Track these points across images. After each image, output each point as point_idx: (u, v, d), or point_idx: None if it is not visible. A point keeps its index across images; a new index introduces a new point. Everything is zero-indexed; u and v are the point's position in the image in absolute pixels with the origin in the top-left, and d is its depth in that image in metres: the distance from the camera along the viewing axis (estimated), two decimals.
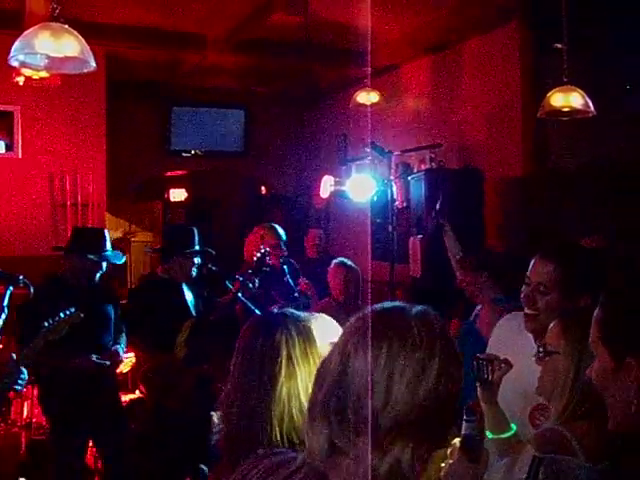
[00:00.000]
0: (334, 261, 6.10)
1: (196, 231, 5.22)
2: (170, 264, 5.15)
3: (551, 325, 2.36)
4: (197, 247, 5.16)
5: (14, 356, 3.49)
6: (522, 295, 2.75)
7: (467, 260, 4.79)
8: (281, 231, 6.37)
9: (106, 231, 5.31)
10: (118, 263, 5.21)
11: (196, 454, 4.66)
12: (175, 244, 5.23)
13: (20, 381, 3.46)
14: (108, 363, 4.81)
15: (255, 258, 5.56)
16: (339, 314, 2.10)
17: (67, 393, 4.69)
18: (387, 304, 1.39)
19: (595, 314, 1.57)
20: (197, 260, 5.15)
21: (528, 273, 2.72)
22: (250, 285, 5.21)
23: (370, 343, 1.28)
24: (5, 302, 3.26)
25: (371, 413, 1.24)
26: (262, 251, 5.55)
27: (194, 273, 5.13)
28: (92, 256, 4.94)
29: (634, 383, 1.42)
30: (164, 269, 5.22)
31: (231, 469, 1.64)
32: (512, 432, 2.47)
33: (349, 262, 6.02)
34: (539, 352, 2.36)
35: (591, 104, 5.08)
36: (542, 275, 2.64)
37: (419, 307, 1.36)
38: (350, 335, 1.34)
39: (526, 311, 2.71)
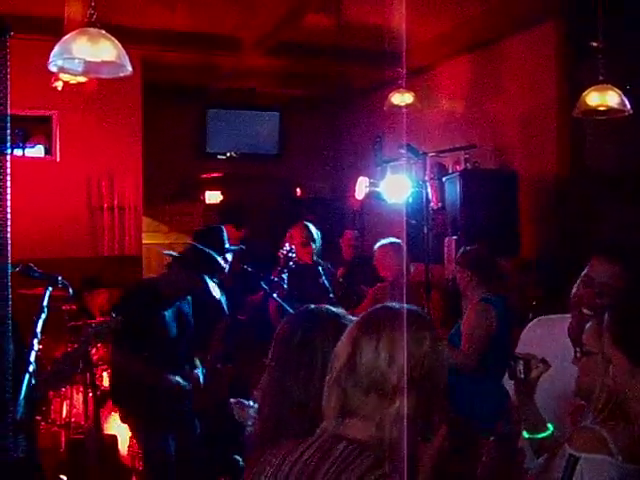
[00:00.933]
0: (381, 242, 6.10)
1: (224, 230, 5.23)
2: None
3: (588, 325, 2.32)
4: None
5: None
6: (577, 296, 2.62)
7: (459, 256, 4.90)
8: (312, 229, 6.39)
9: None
10: None
11: (230, 447, 4.65)
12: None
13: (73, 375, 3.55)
14: (188, 387, 4.73)
15: (281, 255, 5.63)
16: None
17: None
18: (390, 304, 1.77)
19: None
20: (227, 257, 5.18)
21: (589, 273, 2.61)
22: (284, 285, 5.24)
23: (371, 331, 1.68)
24: (45, 302, 3.32)
25: (378, 377, 1.63)
26: (287, 248, 5.62)
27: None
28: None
29: None
30: None
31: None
32: (549, 432, 2.44)
33: (394, 240, 6.04)
34: (576, 353, 2.33)
35: (627, 103, 5.04)
36: (608, 276, 2.54)
37: (412, 309, 1.74)
38: (358, 325, 1.73)
39: (586, 312, 2.53)
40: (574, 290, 2.61)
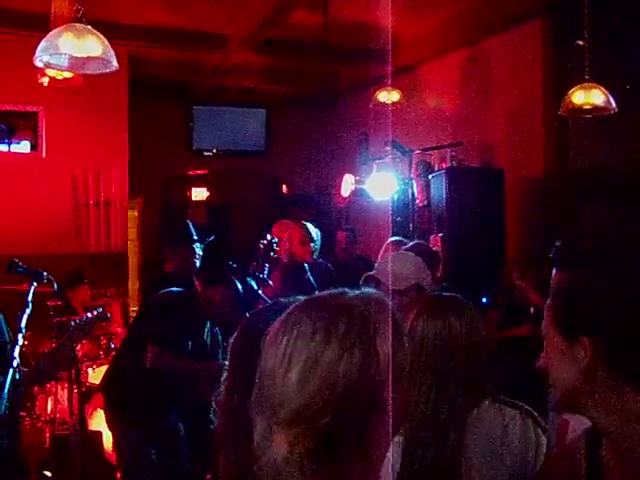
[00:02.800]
0: (391, 240, 6.09)
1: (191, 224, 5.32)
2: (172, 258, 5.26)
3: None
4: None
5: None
6: None
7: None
8: (311, 228, 6.43)
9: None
10: None
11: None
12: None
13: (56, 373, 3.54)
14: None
15: (261, 246, 5.66)
16: None
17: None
18: (312, 297, 1.34)
19: (547, 303, 1.60)
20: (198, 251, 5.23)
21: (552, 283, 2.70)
22: (268, 280, 5.27)
23: (274, 339, 1.27)
24: (29, 297, 3.32)
25: (275, 403, 1.22)
26: (268, 238, 5.66)
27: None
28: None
29: (583, 360, 1.47)
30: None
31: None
32: None
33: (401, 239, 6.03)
34: None
35: (613, 101, 5.07)
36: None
37: (345, 294, 1.31)
38: (267, 334, 1.31)
39: None
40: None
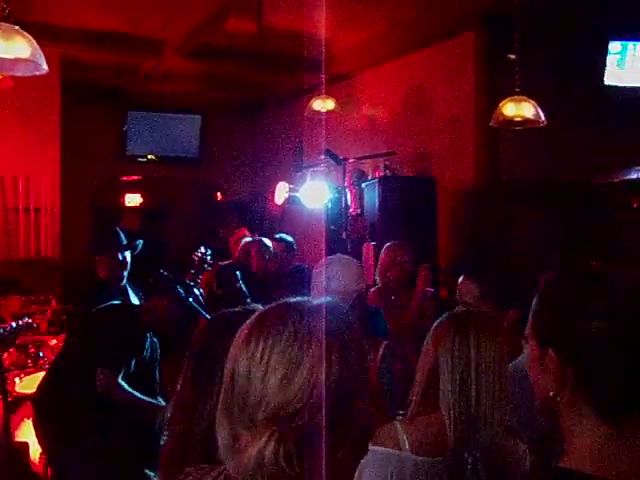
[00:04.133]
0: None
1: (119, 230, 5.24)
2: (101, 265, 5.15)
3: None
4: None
5: None
6: None
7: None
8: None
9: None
10: None
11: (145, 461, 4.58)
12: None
13: None
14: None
15: (195, 258, 5.63)
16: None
17: None
18: (282, 302, 1.37)
19: (532, 304, 1.62)
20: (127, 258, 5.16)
21: (457, 292, 2.78)
22: (199, 289, 5.22)
23: (250, 338, 1.30)
24: None
25: (250, 405, 1.26)
26: (202, 250, 5.65)
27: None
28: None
29: (552, 371, 1.46)
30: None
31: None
32: None
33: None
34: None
35: (542, 114, 5.18)
36: (465, 293, 2.70)
37: (316, 303, 1.35)
38: (238, 337, 1.35)
39: None
40: None
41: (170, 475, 1.61)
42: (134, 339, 4.42)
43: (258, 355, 1.27)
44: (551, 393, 1.48)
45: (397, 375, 3.25)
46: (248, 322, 1.35)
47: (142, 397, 4.43)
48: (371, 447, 2.04)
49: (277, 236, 6.88)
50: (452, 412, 2.18)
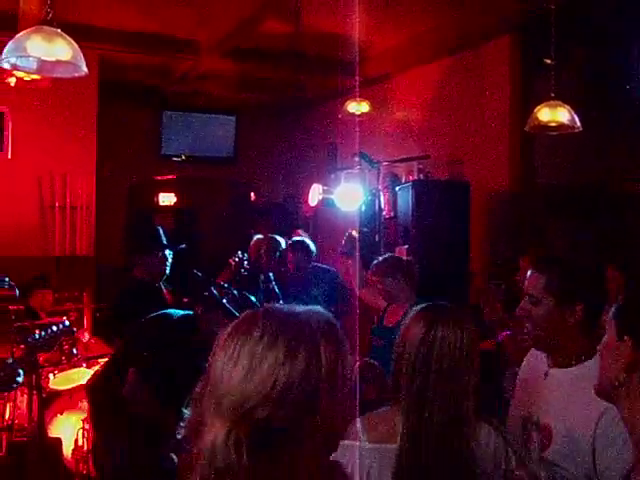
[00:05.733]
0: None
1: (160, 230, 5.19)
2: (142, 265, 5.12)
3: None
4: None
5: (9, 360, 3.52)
6: (517, 310, 2.73)
7: (382, 266, 4.89)
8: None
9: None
10: None
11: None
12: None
13: (15, 384, 3.48)
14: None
15: (232, 262, 5.65)
16: None
17: None
18: (262, 307, 1.50)
19: (612, 310, 1.82)
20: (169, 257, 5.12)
21: (524, 286, 2.73)
22: (233, 291, 5.22)
23: (227, 338, 1.42)
24: None
25: (217, 396, 1.36)
26: (239, 255, 5.65)
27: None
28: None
29: (625, 357, 1.69)
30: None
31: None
32: None
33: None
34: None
35: (577, 120, 5.14)
36: (534, 287, 2.64)
37: (293, 309, 1.47)
38: (220, 336, 1.46)
39: (526, 326, 2.68)
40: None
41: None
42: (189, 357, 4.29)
43: (230, 351, 1.38)
44: (616, 382, 1.71)
45: None
46: (232, 324, 1.46)
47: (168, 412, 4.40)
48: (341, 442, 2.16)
49: (294, 239, 6.87)
50: (404, 399, 2.29)
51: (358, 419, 2.32)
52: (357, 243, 5.66)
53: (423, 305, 2.47)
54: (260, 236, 7.00)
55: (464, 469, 2.21)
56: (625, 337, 1.69)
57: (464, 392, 2.28)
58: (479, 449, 2.24)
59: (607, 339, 1.78)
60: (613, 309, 1.78)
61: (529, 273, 2.69)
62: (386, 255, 5.28)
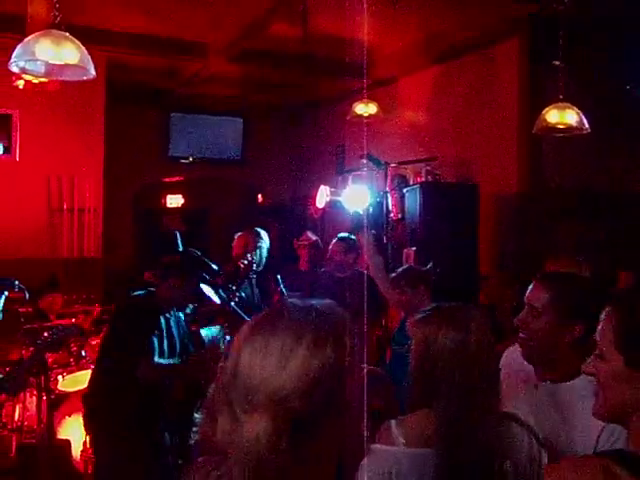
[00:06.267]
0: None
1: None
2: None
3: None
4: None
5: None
6: (516, 319, 2.74)
7: (402, 279, 4.85)
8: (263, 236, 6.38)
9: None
10: None
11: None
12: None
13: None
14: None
15: (241, 265, 5.63)
16: None
17: None
18: (283, 301, 1.54)
19: (612, 320, 1.66)
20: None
21: (526, 297, 2.73)
22: (241, 294, 5.23)
23: (252, 332, 1.45)
24: (0, 307, 3.29)
25: (251, 389, 1.39)
26: (249, 258, 5.63)
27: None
28: None
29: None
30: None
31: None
32: None
33: None
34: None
35: (586, 122, 5.13)
36: (538, 300, 2.64)
37: (315, 303, 1.50)
38: (241, 332, 1.48)
39: (521, 335, 2.69)
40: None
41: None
42: (149, 322, 4.37)
43: (257, 345, 1.41)
44: (630, 409, 1.59)
45: None
46: (251, 319, 1.51)
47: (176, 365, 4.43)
48: (372, 446, 2.20)
49: (340, 235, 6.65)
50: (438, 402, 2.26)
51: (393, 423, 2.33)
52: (364, 219, 5.62)
53: (445, 307, 2.46)
54: (240, 233, 6.81)
55: (501, 466, 2.20)
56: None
57: (494, 391, 2.29)
58: (514, 445, 2.23)
59: (608, 362, 1.64)
60: (610, 333, 1.64)
61: (534, 285, 2.70)
62: (406, 266, 5.26)
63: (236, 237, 6.41)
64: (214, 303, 5.10)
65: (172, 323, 4.54)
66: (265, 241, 6.33)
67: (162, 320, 4.46)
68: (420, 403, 2.34)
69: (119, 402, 4.38)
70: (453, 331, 2.29)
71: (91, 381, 4.80)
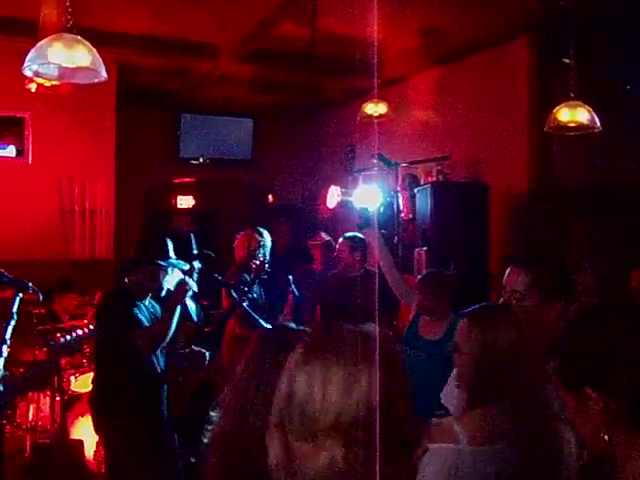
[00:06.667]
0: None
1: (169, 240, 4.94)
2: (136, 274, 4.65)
3: (459, 324, 2.47)
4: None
5: None
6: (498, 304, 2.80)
7: (429, 286, 4.83)
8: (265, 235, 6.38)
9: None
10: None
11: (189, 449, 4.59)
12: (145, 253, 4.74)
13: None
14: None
15: (253, 265, 5.64)
16: None
17: None
18: (331, 323, 1.58)
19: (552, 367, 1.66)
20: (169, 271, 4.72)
21: (504, 282, 2.79)
22: (253, 294, 5.24)
23: (308, 359, 1.47)
24: (14, 309, 3.31)
25: (309, 417, 1.41)
26: (261, 258, 5.64)
27: (165, 286, 4.62)
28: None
29: (597, 412, 1.45)
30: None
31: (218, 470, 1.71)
32: None
33: None
34: (449, 349, 2.48)
35: (597, 120, 5.12)
36: (518, 284, 2.72)
37: (363, 327, 1.54)
38: (296, 354, 1.51)
39: None
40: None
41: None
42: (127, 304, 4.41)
43: (317, 372, 1.43)
44: (605, 437, 1.46)
45: None
46: (302, 343, 1.53)
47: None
48: (430, 445, 2.21)
49: (346, 235, 6.64)
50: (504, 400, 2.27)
51: (453, 421, 2.37)
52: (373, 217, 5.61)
53: (492, 307, 2.55)
54: (241, 233, 6.79)
55: (559, 466, 2.22)
56: (586, 389, 1.46)
57: (551, 389, 2.28)
58: (567, 445, 2.25)
59: (565, 401, 1.57)
60: (556, 378, 1.58)
61: (511, 270, 2.76)
62: (431, 270, 5.23)
63: (237, 237, 6.41)
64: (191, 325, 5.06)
65: (149, 311, 4.55)
66: (267, 239, 6.34)
67: (140, 306, 4.49)
68: (476, 403, 2.36)
69: (120, 396, 4.41)
70: (513, 330, 2.32)
71: (93, 382, 4.83)
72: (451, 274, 5.08)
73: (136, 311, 4.38)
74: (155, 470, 4.41)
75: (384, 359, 1.45)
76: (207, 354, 4.76)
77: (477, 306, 2.50)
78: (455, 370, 2.48)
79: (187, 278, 4.47)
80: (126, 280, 4.59)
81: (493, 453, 2.23)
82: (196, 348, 4.75)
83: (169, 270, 4.60)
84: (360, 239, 6.26)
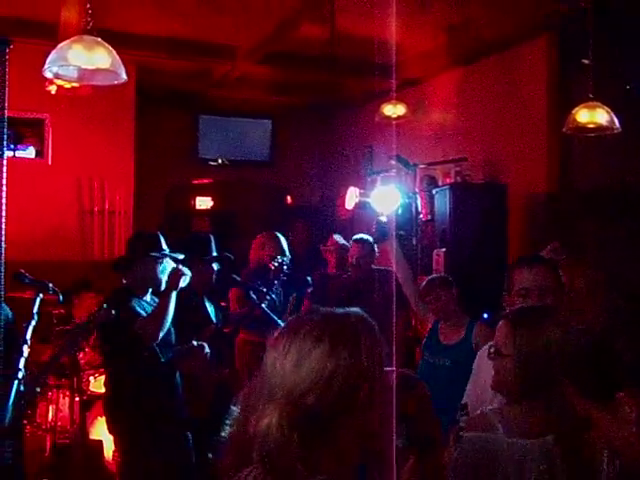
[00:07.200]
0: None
1: (162, 237, 4.76)
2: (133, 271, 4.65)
3: (498, 325, 2.47)
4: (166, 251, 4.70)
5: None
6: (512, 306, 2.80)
7: (435, 284, 4.91)
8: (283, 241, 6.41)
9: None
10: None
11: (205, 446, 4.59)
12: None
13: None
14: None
15: (272, 267, 5.64)
16: None
17: None
18: (310, 309, 1.65)
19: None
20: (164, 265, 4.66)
21: (511, 284, 2.81)
22: (272, 295, 5.25)
23: (277, 340, 1.59)
24: (35, 309, 3.33)
25: (271, 388, 1.52)
26: (280, 259, 5.64)
27: (162, 279, 4.57)
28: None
29: (630, 414, 1.60)
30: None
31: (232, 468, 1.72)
32: None
33: None
34: (490, 352, 2.46)
35: (617, 121, 5.08)
36: (531, 281, 2.75)
37: (343, 310, 1.62)
38: (271, 338, 1.62)
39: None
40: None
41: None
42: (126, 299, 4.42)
43: (280, 347, 1.55)
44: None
45: None
46: (282, 326, 1.65)
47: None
48: (466, 434, 2.32)
49: (355, 237, 6.64)
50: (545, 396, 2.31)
51: (488, 412, 2.42)
52: (389, 227, 5.59)
53: (528, 308, 2.60)
54: (258, 235, 6.83)
55: (595, 467, 2.23)
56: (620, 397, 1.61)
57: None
58: (600, 453, 2.25)
59: (595, 415, 1.71)
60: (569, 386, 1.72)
61: (517, 270, 2.81)
62: (437, 275, 5.30)
63: (257, 239, 6.51)
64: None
65: (152, 307, 4.52)
66: (283, 243, 6.41)
67: (141, 302, 4.49)
68: (519, 397, 2.38)
69: (124, 393, 4.41)
70: (558, 330, 2.34)
71: (104, 384, 4.84)
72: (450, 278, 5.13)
73: (135, 304, 4.38)
74: (162, 467, 4.39)
75: (348, 339, 1.53)
76: (206, 346, 4.71)
77: (517, 309, 2.55)
78: (492, 372, 2.48)
79: (181, 266, 4.45)
80: (124, 281, 4.60)
81: (532, 447, 2.27)
82: (196, 342, 4.72)
83: (164, 262, 4.57)
84: (368, 240, 6.30)
